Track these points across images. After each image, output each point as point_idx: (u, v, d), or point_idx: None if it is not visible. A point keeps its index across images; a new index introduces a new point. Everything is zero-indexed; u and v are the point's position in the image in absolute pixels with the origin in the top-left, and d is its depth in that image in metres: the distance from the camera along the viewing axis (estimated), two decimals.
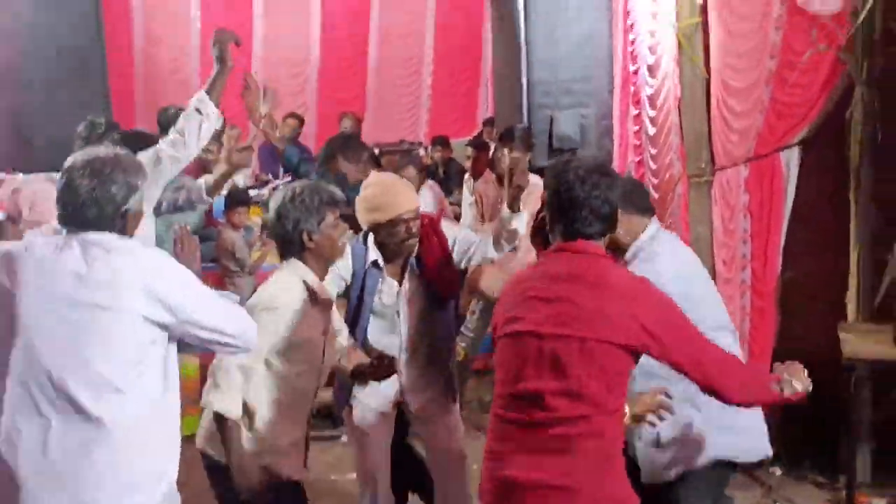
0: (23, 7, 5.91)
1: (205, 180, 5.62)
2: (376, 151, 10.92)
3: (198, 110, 4.57)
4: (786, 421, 5.47)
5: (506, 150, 6.38)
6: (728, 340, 3.73)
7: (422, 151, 11.06)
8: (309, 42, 12.05)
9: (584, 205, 3.06)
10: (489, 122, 10.59)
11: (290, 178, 8.62)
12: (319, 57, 12.07)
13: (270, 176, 9.58)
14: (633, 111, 7.92)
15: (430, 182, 8.55)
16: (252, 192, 8.59)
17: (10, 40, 5.77)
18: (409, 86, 12.44)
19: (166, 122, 8.81)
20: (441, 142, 10.46)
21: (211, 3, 11.80)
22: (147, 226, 4.58)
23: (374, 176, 4.51)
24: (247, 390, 3.44)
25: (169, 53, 11.60)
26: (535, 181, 6.81)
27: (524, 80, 6.74)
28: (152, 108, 9.49)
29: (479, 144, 9.07)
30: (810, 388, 3.19)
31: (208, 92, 4.59)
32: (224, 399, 3.39)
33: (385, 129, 11.78)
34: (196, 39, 11.71)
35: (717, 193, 6.71)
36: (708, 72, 6.69)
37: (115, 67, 8.42)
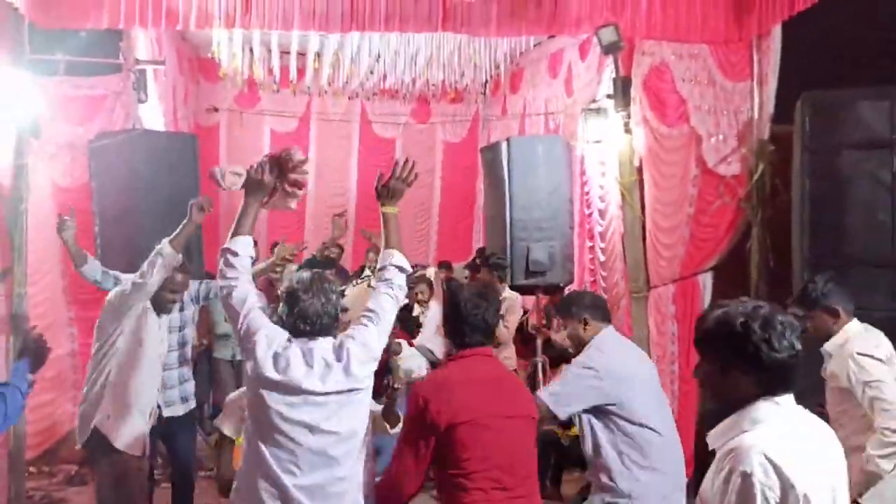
0: (141, 165, 5.95)
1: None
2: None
3: (159, 252, 4.42)
4: None
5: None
6: (647, 436, 3.58)
7: (429, 271, 11.05)
8: (348, 192, 12.19)
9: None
10: (481, 251, 10.59)
11: None
12: (356, 204, 12.18)
13: None
14: (588, 243, 7.95)
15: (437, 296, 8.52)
16: None
17: (129, 192, 5.80)
18: (422, 224, 12.52)
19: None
20: (445, 265, 10.46)
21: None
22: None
23: None
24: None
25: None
26: (514, 295, 6.81)
27: (507, 220, 6.75)
28: None
29: (472, 267, 9.06)
30: None
31: (171, 240, 4.45)
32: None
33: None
34: None
35: (651, 305, 6.71)
36: (643, 215, 6.75)
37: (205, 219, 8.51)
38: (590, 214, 7.88)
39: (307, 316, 3.03)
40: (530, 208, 6.70)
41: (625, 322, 6.95)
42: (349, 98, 11.67)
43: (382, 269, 3.31)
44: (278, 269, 7.25)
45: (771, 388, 2.07)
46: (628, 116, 6.77)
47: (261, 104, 11.68)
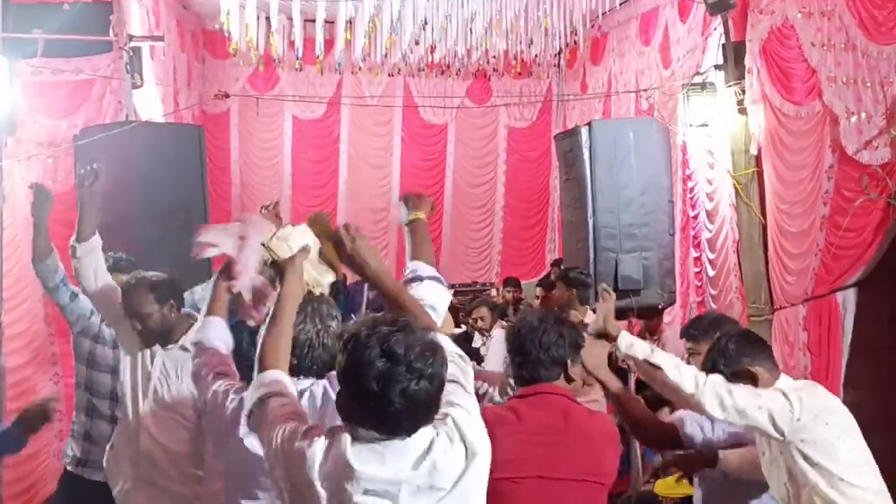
0: (136, 165, 6.11)
1: None
2: (451, 291, 11.03)
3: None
4: None
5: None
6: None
7: (493, 292, 11.11)
8: (390, 192, 12.32)
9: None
10: (557, 263, 10.60)
11: None
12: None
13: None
14: (694, 254, 7.91)
15: (501, 322, 8.55)
16: None
17: (123, 197, 5.95)
18: (482, 230, 12.58)
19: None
20: (512, 282, 10.49)
21: (301, 161, 12.24)
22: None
23: None
24: None
25: (263, 202, 11.93)
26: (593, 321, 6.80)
27: (590, 225, 6.76)
28: None
29: (547, 284, 9.09)
30: None
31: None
32: None
33: (459, 271, 11.91)
34: (288, 191, 12.09)
35: (776, 332, 6.65)
36: (764, 217, 6.70)
37: (213, 214, 8.70)
38: (695, 217, 7.84)
39: (295, 346, 2.91)
40: (619, 210, 6.70)
41: None
42: (389, 76, 11.84)
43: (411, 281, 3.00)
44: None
45: None
46: (742, 92, 6.74)
47: (280, 86, 11.94)
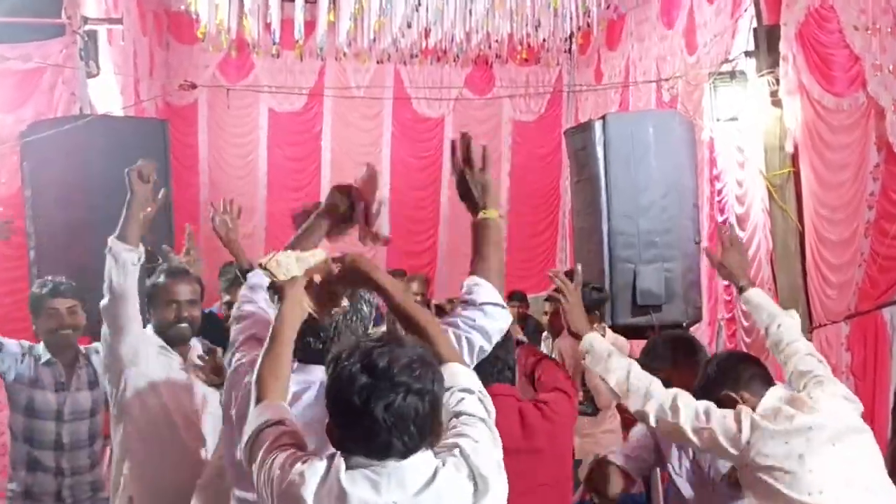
0: (92, 164, 6.12)
1: None
2: (448, 307, 11.03)
3: (109, 250, 4.44)
4: None
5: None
6: None
7: None
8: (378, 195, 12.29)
9: None
10: (568, 274, 10.57)
11: None
12: (389, 211, 12.26)
13: None
14: None
15: None
16: None
17: (76, 201, 5.96)
18: None
19: (232, 275, 9.04)
20: (517, 297, 10.46)
21: (277, 159, 12.25)
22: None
23: None
24: None
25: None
26: (616, 338, 6.80)
27: (604, 232, 6.74)
28: (215, 265, 9.74)
29: (556, 299, 9.06)
30: None
31: (117, 235, 4.45)
32: None
33: (457, 283, 11.82)
34: (263, 193, 12.09)
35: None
36: (801, 222, 6.70)
37: (178, 219, 8.70)
38: (723, 223, 7.83)
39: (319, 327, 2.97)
40: (637, 215, 6.68)
41: (777, 375, 6.86)
42: (378, 63, 11.89)
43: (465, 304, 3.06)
44: None
45: None
46: (777, 82, 6.75)
47: (255, 74, 11.96)
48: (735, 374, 3.57)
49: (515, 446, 3.22)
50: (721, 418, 3.40)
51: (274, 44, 10.53)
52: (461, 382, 2.64)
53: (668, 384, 3.60)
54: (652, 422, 3.52)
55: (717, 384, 3.56)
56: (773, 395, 3.52)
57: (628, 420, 7.08)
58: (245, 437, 2.64)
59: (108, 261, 4.40)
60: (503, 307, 3.11)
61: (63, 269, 6.03)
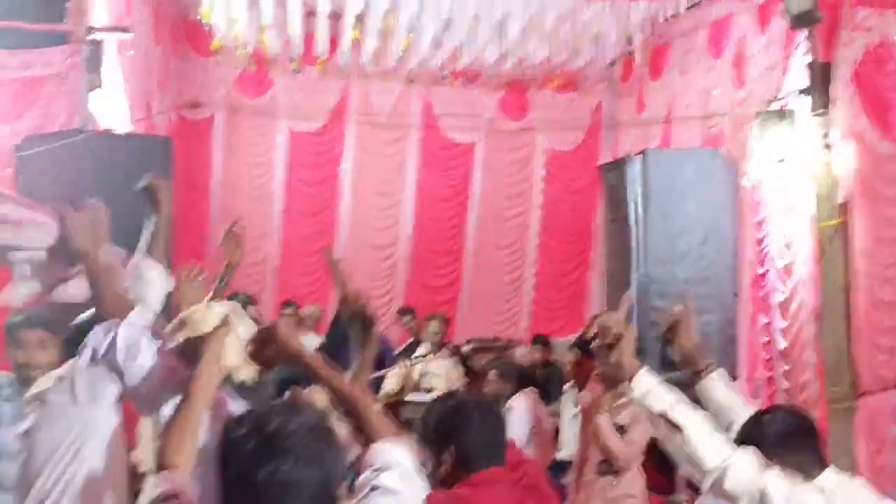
0: (89, 182, 6.24)
1: None
2: (467, 348, 10.92)
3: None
4: None
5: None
6: None
7: (519, 351, 10.97)
8: (400, 224, 12.25)
9: None
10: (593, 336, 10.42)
11: None
12: (411, 240, 12.27)
13: None
14: (763, 320, 7.78)
15: (527, 390, 8.42)
16: None
17: None
18: (511, 273, 12.48)
19: None
20: (540, 341, 10.35)
21: (294, 183, 12.20)
22: None
23: None
24: None
25: (247, 232, 11.88)
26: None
27: (635, 280, 6.67)
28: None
29: (585, 346, 8.92)
30: None
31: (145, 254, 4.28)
32: None
33: (479, 323, 11.78)
34: (277, 219, 12.04)
35: (863, 422, 6.55)
36: (850, 280, 6.59)
37: (186, 245, 8.64)
38: (765, 275, 7.71)
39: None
40: (672, 262, 6.65)
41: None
42: (406, 83, 11.83)
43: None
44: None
45: None
46: (830, 124, 6.63)
47: (274, 91, 11.93)
48: (787, 442, 3.36)
49: None
50: (808, 493, 3.17)
51: (293, 60, 10.51)
52: (384, 458, 2.62)
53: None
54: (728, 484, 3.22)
55: (767, 444, 3.32)
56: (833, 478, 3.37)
57: (655, 479, 6.99)
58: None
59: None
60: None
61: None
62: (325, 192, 12.27)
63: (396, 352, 10.21)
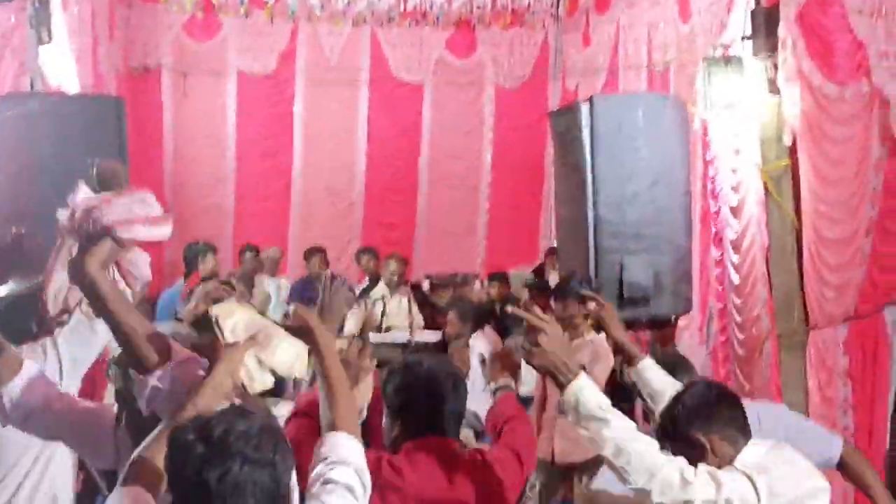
0: (46, 149, 5.96)
1: None
2: (426, 284, 10.94)
3: None
4: None
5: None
6: None
7: (476, 285, 11.01)
8: (354, 165, 12.20)
9: None
10: (552, 252, 10.50)
11: None
12: (365, 181, 12.21)
13: None
14: (715, 253, 7.82)
15: (485, 329, 8.43)
16: None
17: (33, 188, 5.82)
18: (464, 210, 12.48)
19: (193, 258, 8.96)
20: (498, 277, 10.38)
21: (247, 126, 12.06)
22: None
23: None
24: None
25: (202, 178, 11.84)
26: (602, 336, 6.71)
27: (590, 222, 6.63)
28: (181, 240, 9.59)
29: (539, 286, 8.96)
30: None
31: None
32: None
33: (436, 260, 11.80)
34: (231, 163, 11.93)
35: (811, 355, 6.57)
36: (799, 219, 6.62)
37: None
38: (717, 213, 7.73)
39: None
40: (624, 205, 6.58)
41: (771, 380, 6.82)
42: (354, 25, 11.68)
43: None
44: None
45: None
46: (775, 68, 6.58)
47: (223, 35, 11.72)
48: (709, 413, 3.38)
49: (440, 496, 3.34)
50: (733, 481, 3.18)
51: (242, 3, 10.33)
52: (339, 453, 2.66)
53: None
54: (656, 499, 3.20)
55: (687, 421, 3.37)
56: (758, 451, 3.35)
57: None
58: None
59: None
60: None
61: (8, 255, 5.90)
62: (278, 136, 12.16)
63: (357, 291, 10.22)
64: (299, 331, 2.91)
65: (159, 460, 2.49)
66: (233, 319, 2.89)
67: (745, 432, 3.40)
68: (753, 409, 3.91)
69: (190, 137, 11.82)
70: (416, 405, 3.51)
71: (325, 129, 12.19)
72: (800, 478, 3.32)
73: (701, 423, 3.34)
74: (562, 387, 3.28)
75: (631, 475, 3.18)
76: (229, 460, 2.27)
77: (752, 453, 3.33)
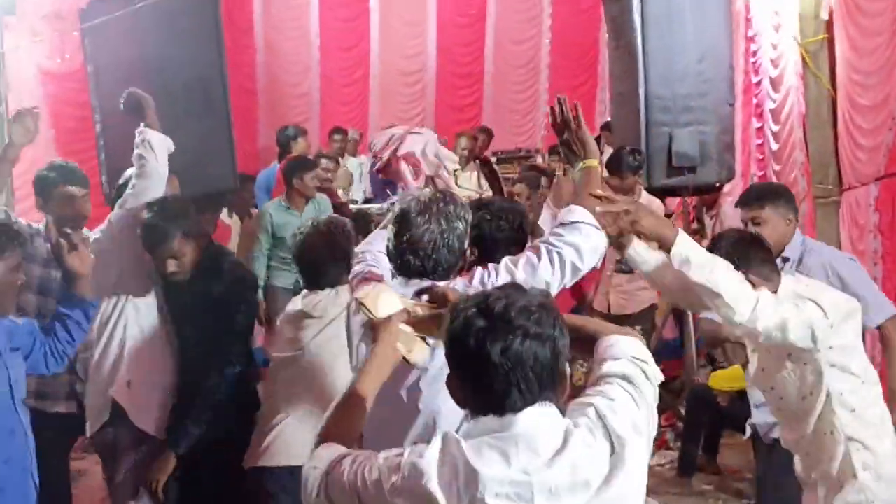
0: (152, 47, 6.03)
1: None
2: (493, 159, 10.95)
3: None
4: None
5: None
6: None
7: (539, 158, 10.98)
8: (426, 52, 12.15)
9: None
10: (607, 127, 10.39)
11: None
12: (436, 66, 12.18)
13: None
14: (756, 124, 7.77)
15: (548, 200, 8.46)
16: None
17: (143, 78, 5.91)
18: (526, 91, 12.39)
19: (286, 141, 9.01)
20: (558, 151, 10.33)
21: (329, 20, 12.04)
22: None
23: None
24: None
25: (290, 68, 11.93)
26: (651, 200, 6.75)
27: (641, 97, 6.60)
28: (273, 125, 9.72)
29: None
30: None
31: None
32: None
33: (502, 136, 11.80)
34: (316, 54, 11.96)
35: (844, 213, 6.59)
36: (834, 88, 6.54)
37: (236, 83, 8.61)
38: (758, 84, 7.65)
39: (419, 247, 2.91)
40: (673, 80, 6.53)
41: (807, 235, 6.82)
42: None
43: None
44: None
45: None
46: None
47: None
48: (745, 254, 3.44)
49: None
50: (806, 305, 3.27)
51: None
52: (615, 351, 2.37)
53: None
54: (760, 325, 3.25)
55: (728, 260, 3.36)
56: (798, 284, 3.45)
57: None
58: (313, 485, 2.33)
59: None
60: (597, 228, 2.99)
61: (126, 139, 6.03)
62: (357, 27, 12.14)
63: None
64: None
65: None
66: (377, 300, 2.68)
67: (777, 272, 3.49)
68: (826, 253, 4.13)
69: (278, 31, 11.85)
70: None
71: (399, 20, 12.13)
72: (839, 300, 3.41)
73: (740, 262, 3.39)
74: (666, 246, 3.24)
75: (737, 309, 3.21)
76: (511, 334, 2.11)
77: (788, 285, 3.42)
